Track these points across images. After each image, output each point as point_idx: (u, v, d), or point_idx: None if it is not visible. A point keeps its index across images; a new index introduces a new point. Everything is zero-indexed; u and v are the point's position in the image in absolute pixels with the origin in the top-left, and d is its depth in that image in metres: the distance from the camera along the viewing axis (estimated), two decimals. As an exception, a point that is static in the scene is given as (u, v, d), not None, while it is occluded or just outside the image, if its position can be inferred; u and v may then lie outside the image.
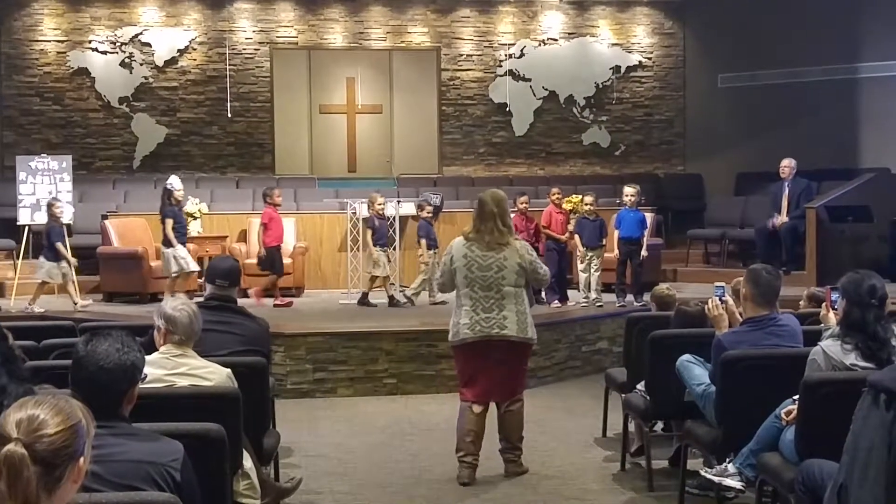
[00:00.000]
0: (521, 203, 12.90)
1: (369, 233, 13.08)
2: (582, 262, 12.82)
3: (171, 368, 4.94)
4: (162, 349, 5.05)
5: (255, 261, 13.76)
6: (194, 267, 13.08)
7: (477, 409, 7.12)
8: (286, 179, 17.77)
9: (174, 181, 13.32)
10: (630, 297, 12.69)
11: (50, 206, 12.95)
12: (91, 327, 5.79)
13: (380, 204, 13.30)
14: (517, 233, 12.53)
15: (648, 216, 14.66)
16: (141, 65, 17.90)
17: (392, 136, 18.70)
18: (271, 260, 13.20)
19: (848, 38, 17.05)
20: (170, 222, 12.98)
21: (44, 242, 12.77)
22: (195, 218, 14.47)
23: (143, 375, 3.61)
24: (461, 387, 7.28)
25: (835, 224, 13.65)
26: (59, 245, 12.67)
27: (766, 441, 5.31)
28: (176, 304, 5.17)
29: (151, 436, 3.45)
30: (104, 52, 17.81)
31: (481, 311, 7.00)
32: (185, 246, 13.15)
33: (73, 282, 12.76)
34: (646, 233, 12.94)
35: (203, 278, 9.04)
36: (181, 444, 3.45)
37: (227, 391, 4.84)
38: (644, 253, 12.84)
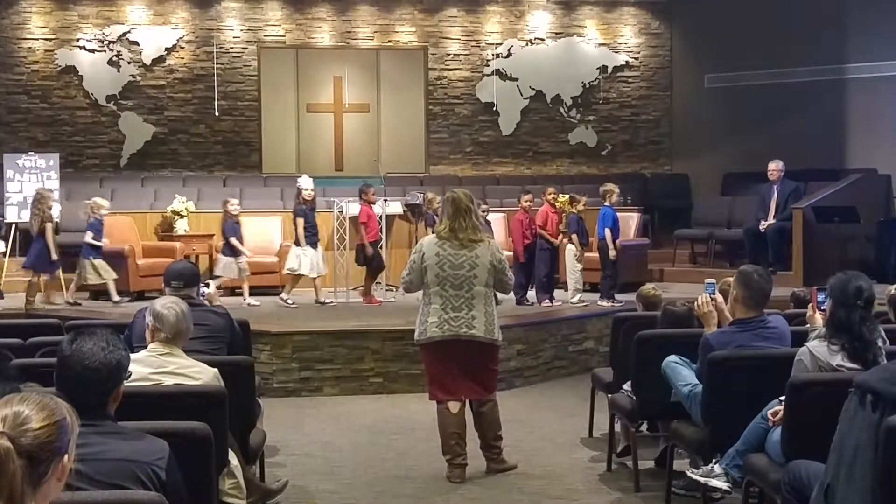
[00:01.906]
0: (525, 201, 12.89)
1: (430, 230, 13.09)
2: (580, 262, 12.83)
3: (157, 367, 4.92)
4: (149, 347, 5.03)
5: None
6: (305, 271, 12.98)
7: (454, 407, 7.12)
8: (273, 178, 17.77)
9: (303, 181, 13.24)
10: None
11: (225, 203, 13.17)
12: (76, 326, 5.77)
13: (438, 203, 13.35)
14: (523, 229, 12.70)
15: (634, 215, 14.77)
16: (128, 63, 17.84)
17: (379, 135, 18.68)
18: (368, 255, 13.14)
19: (835, 38, 17.05)
20: (300, 222, 12.94)
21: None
22: (182, 216, 14.44)
23: (127, 374, 3.59)
24: (431, 387, 7.27)
25: (822, 225, 13.61)
26: (234, 240, 12.98)
27: (752, 442, 5.31)
28: (165, 302, 5.14)
29: (137, 434, 3.44)
30: (92, 51, 17.75)
31: (451, 310, 7.01)
32: (315, 247, 13.10)
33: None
34: None
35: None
36: (167, 442, 3.44)
37: (213, 390, 4.82)
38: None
